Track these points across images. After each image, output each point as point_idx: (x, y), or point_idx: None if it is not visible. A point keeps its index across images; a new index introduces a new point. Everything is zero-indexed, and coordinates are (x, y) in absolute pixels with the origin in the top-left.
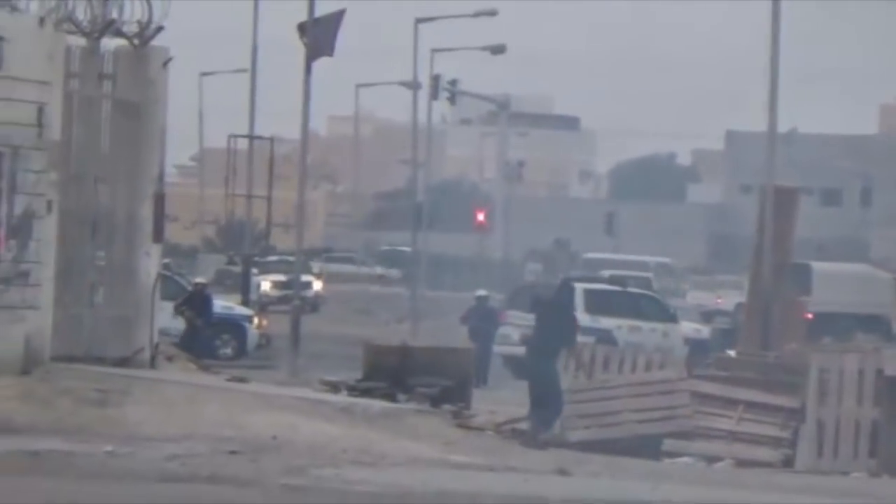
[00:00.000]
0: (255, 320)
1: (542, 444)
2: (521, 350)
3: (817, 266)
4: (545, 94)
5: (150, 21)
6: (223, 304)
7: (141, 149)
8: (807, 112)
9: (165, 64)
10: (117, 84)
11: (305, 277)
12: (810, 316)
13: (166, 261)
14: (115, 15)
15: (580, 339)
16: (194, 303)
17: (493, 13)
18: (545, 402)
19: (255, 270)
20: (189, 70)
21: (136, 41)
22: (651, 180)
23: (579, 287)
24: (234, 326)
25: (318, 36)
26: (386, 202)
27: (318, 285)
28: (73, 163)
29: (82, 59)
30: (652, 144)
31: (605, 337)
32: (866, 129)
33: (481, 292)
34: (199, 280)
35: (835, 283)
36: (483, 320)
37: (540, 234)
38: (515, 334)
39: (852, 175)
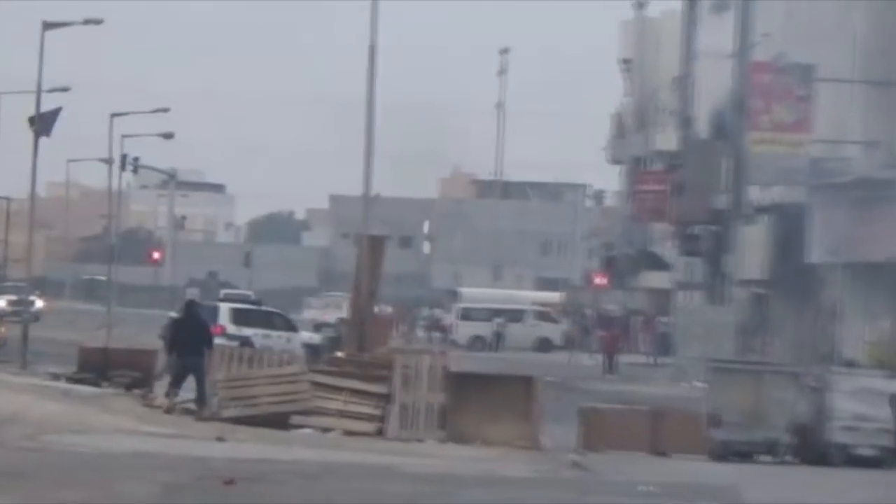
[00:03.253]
0: None
1: (208, 416)
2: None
3: (465, 290)
4: (200, 168)
5: None
6: None
7: None
8: (386, 180)
9: None
10: None
11: (31, 297)
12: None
13: None
14: None
15: (228, 343)
16: None
17: (166, 110)
18: (200, 387)
19: None
20: None
21: None
22: (276, 229)
23: (226, 306)
24: None
25: (42, 123)
26: (88, 244)
27: (40, 303)
28: None
29: None
30: (276, 203)
31: (246, 342)
32: (431, 195)
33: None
34: None
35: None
36: None
37: (197, 268)
38: None
39: (419, 226)
